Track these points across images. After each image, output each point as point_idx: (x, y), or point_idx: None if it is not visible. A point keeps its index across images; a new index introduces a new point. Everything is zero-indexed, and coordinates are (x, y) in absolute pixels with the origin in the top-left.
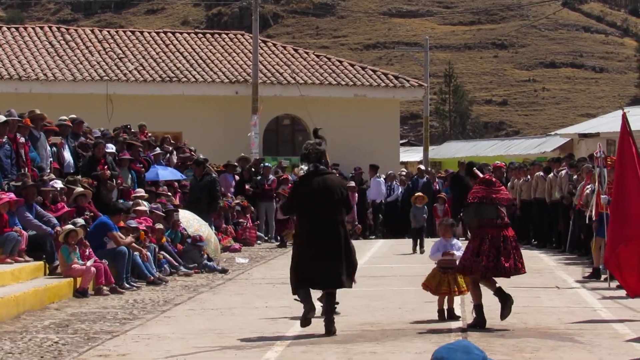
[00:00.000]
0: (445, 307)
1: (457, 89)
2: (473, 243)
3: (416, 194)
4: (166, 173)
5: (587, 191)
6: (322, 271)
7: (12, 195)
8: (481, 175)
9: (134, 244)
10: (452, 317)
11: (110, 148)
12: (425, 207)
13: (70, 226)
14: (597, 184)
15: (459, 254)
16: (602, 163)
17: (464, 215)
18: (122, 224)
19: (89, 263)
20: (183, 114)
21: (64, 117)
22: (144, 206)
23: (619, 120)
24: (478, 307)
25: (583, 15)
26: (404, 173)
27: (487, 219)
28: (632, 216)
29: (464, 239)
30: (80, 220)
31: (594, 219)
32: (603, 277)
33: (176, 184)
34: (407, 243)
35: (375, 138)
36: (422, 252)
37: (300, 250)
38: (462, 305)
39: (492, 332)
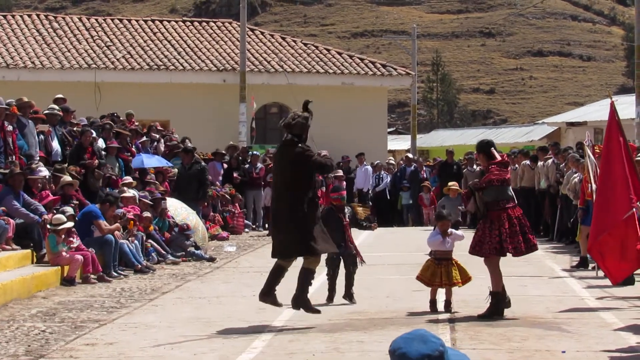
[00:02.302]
0: (444, 298)
1: (445, 78)
2: (493, 225)
3: (449, 184)
4: (152, 161)
5: (575, 180)
6: (275, 242)
7: None
8: (499, 157)
9: (117, 233)
10: (448, 309)
11: (100, 143)
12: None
13: (61, 216)
14: (585, 172)
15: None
16: (591, 151)
17: (485, 196)
18: (112, 214)
19: (75, 252)
20: (171, 101)
21: (54, 106)
22: (130, 193)
23: (607, 108)
24: (496, 295)
25: (570, 4)
26: (392, 161)
27: (505, 199)
28: (616, 203)
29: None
30: (69, 209)
31: (579, 206)
32: (591, 266)
33: (167, 171)
34: (394, 231)
35: (363, 126)
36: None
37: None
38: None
39: (479, 321)
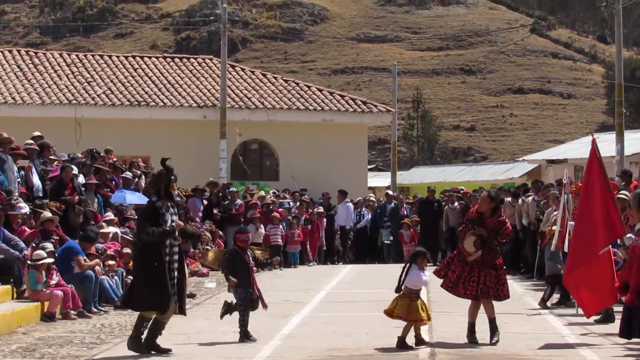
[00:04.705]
0: (412, 334)
1: (425, 115)
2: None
3: (549, 229)
4: (134, 197)
5: (555, 218)
6: None
7: None
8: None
9: (97, 269)
10: (421, 343)
11: (81, 179)
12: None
13: (41, 252)
14: (562, 210)
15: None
16: (568, 189)
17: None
18: (93, 250)
19: (55, 288)
20: (151, 137)
21: (31, 141)
22: (109, 229)
23: (587, 146)
24: (493, 320)
25: (551, 41)
26: (372, 199)
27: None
28: (594, 238)
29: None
30: (49, 245)
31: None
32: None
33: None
34: (374, 268)
35: (343, 163)
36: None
37: None
38: (430, 331)
39: (460, 357)
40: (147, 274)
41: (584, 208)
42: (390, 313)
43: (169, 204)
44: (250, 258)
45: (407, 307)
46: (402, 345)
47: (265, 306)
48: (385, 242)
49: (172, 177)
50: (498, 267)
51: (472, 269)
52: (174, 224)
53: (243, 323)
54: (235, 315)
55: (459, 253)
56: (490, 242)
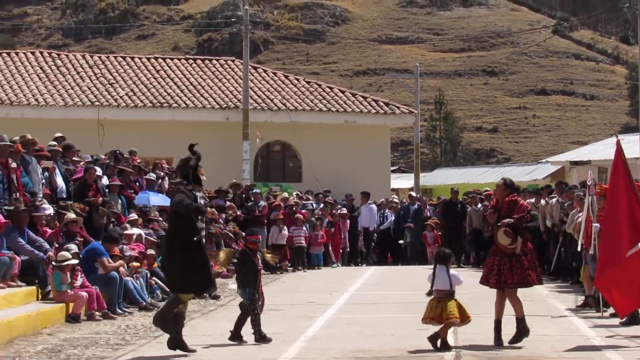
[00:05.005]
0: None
1: (448, 116)
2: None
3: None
4: (157, 199)
5: (580, 219)
6: None
7: (1, 217)
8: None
9: (122, 270)
10: (446, 347)
11: (104, 180)
12: None
13: (65, 253)
14: (586, 211)
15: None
16: (592, 191)
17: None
18: (116, 251)
19: (80, 289)
20: (174, 139)
21: (54, 143)
22: (133, 231)
23: (610, 147)
24: (521, 321)
25: (574, 42)
26: (396, 200)
27: None
28: (621, 240)
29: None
30: (74, 247)
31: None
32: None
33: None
34: (398, 270)
35: (366, 164)
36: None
37: None
38: (455, 333)
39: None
40: (189, 255)
41: (610, 210)
42: (425, 319)
43: (197, 189)
44: (260, 260)
45: (438, 308)
46: (444, 346)
47: (261, 309)
48: (400, 242)
49: (199, 163)
50: (523, 252)
51: (495, 258)
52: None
53: (255, 324)
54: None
55: (493, 252)
56: (518, 227)
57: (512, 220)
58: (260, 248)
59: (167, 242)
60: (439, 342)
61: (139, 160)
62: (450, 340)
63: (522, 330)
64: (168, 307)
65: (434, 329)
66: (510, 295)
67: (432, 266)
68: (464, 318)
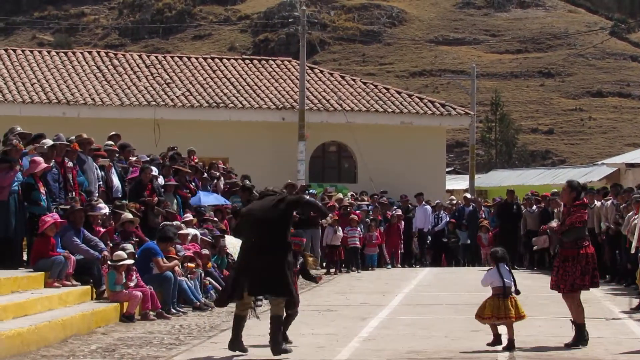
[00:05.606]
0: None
1: (504, 118)
2: (571, 262)
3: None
4: (209, 199)
5: (635, 221)
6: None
7: (56, 216)
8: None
9: (177, 269)
10: (512, 347)
11: (160, 180)
12: None
13: (121, 253)
14: None
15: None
16: None
17: (578, 234)
18: (172, 252)
19: (134, 288)
20: (230, 139)
21: (111, 142)
22: (188, 230)
23: None
24: (579, 325)
25: (630, 44)
26: (454, 201)
27: (583, 239)
28: None
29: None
30: (129, 247)
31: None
32: None
33: (226, 209)
34: (452, 272)
35: (421, 165)
36: None
37: None
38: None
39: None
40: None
41: None
42: (479, 316)
43: None
44: (299, 263)
45: (494, 306)
46: (511, 345)
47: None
48: (463, 245)
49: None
50: (579, 257)
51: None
52: None
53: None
54: (312, 317)
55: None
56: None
57: (553, 228)
58: (303, 251)
59: (272, 245)
60: (505, 342)
61: (196, 160)
62: (504, 340)
63: (579, 336)
64: (286, 322)
65: (486, 328)
66: (567, 298)
67: (486, 268)
68: (520, 316)
